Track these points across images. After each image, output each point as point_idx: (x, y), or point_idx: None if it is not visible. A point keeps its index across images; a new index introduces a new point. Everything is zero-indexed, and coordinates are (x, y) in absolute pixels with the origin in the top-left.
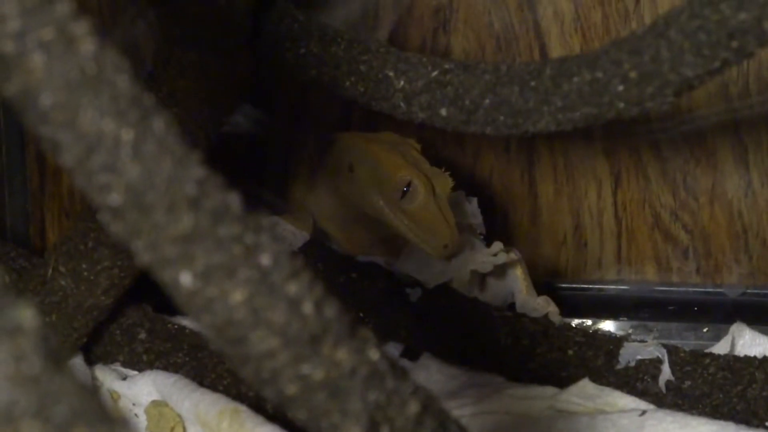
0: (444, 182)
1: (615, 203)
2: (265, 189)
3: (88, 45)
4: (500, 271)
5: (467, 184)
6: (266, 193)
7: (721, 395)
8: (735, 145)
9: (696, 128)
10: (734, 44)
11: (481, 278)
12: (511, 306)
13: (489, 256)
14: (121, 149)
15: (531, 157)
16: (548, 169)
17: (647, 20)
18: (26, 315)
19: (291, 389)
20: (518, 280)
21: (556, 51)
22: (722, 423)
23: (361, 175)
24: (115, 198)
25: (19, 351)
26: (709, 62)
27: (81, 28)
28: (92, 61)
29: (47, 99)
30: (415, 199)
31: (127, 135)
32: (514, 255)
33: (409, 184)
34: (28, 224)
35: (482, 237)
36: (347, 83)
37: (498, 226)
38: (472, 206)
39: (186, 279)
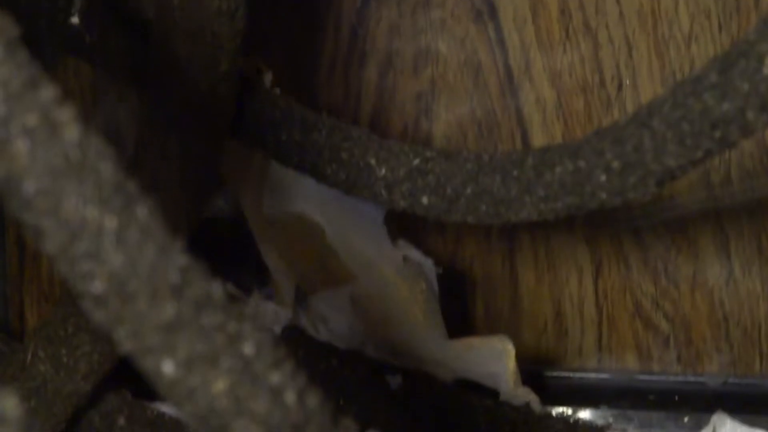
0: None
1: (596, 291)
2: (246, 272)
3: (72, 132)
4: (493, 357)
5: (448, 270)
6: (247, 277)
7: None
8: (716, 233)
9: (677, 216)
10: (717, 134)
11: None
12: (493, 392)
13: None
14: (104, 237)
15: (512, 244)
16: (529, 256)
17: (629, 108)
18: (9, 405)
19: None
20: (508, 372)
21: (538, 138)
22: None
23: None
24: (97, 286)
25: None
26: (692, 152)
27: (65, 115)
28: (76, 148)
29: (31, 186)
30: None
31: (111, 223)
32: (510, 347)
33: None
34: (7, 308)
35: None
36: (329, 170)
37: (478, 313)
38: (428, 268)
39: (168, 368)
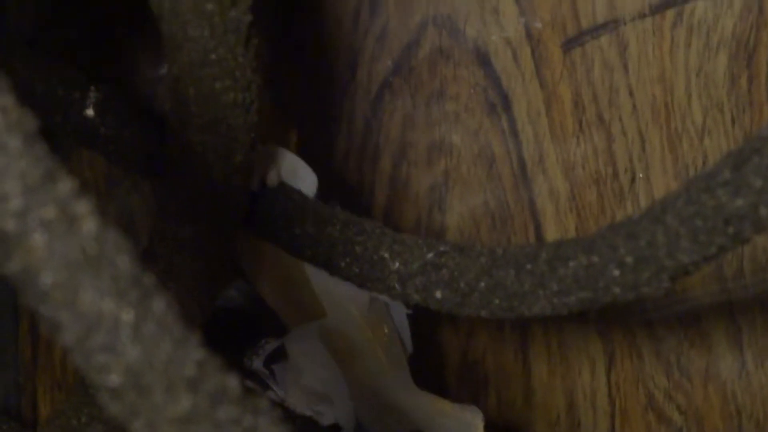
0: None
1: (609, 383)
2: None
3: (89, 225)
4: (461, 428)
5: (459, 362)
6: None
7: None
8: (729, 326)
9: (690, 309)
10: (730, 230)
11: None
12: None
13: None
14: (121, 330)
15: (525, 336)
16: (542, 348)
17: (642, 200)
18: None
19: None
20: None
21: (550, 230)
22: None
23: None
24: (113, 379)
25: None
26: (706, 248)
27: (83, 208)
28: (93, 241)
29: (47, 278)
30: None
31: (128, 316)
32: (479, 421)
33: None
34: (20, 397)
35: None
36: (342, 264)
37: (491, 405)
38: (396, 311)
39: None
